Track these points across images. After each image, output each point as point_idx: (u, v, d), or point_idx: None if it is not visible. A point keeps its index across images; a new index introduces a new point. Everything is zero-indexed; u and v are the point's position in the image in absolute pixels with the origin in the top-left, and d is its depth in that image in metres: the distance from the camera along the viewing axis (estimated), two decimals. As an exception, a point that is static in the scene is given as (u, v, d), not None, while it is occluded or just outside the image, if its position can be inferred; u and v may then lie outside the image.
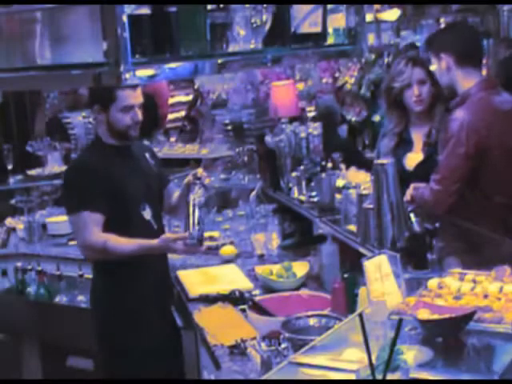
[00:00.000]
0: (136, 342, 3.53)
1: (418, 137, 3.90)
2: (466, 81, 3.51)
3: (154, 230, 3.57)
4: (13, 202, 5.23)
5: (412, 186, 3.50)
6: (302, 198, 4.12)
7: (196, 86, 6.11)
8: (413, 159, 3.86)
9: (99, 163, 3.51)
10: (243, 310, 3.33)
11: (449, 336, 2.41)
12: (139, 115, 3.52)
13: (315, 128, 4.26)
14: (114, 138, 3.55)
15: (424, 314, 2.44)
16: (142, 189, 3.58)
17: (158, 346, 3.57)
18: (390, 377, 2.07)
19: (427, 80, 3.83)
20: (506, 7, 4.67)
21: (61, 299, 4.56)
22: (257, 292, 3.60)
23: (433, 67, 3.66)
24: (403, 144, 3.92)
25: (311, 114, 4.55)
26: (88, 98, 3.80)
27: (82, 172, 3.54)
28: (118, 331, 3.56)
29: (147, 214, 3.57)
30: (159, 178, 3.75)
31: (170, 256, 3.79)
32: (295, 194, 4.22)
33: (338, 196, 3.81)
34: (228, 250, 4.23)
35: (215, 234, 4.43)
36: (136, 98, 3.50)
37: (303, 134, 4.26)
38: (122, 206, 3.49)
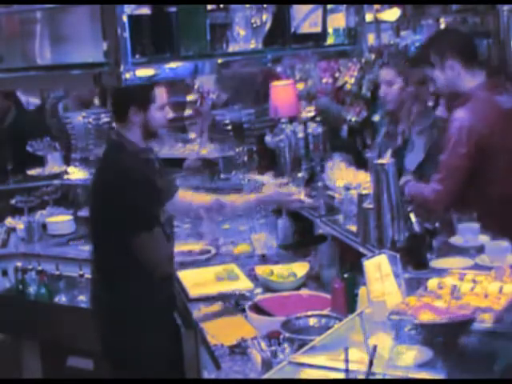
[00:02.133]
0: (139, 344, 3.45)
1: (419, 137, 3.90)
2: (469, 81, 3.52)
3: (167, 234, 3.54)
4: (13, 202, 5.23)
5: (404, 180, 3.54)
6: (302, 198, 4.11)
7: (196, 86, 6.10)
8: (414, 159, 3.86)
9: (145, 170, 3.39)
10: (243, 310, 3.33)
11: (449, 339, 2.41)
12: (170, 112, 3.49)
13: (315, 128, 4.26)
14: (145, 139, 3.43)
15: (425, 317, 2.44)
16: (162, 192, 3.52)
17: (160, 348, 3.52)
18: (390, 377, 2.07)
19: (395, 81, 3.92)
20: (505, 7, 4.66)
21: (61, 299, 4.56)
22: (257, 292, 3.60)
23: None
24: (404, 144, 3.93)
25: (311, 114, 4.55)
26: (116, 100, 3.48)
27: (141, 183, 3.35)
28: (120, 333, 3.47)
29: (162, 217, 3.51)
30: None
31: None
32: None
33: (337, 196, 3.81)
34: (243, 247, 4.24)
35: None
36: (166, 95, 3.41)
37: (303, 134, 4.26)
38: (160, 213, 3.45)
